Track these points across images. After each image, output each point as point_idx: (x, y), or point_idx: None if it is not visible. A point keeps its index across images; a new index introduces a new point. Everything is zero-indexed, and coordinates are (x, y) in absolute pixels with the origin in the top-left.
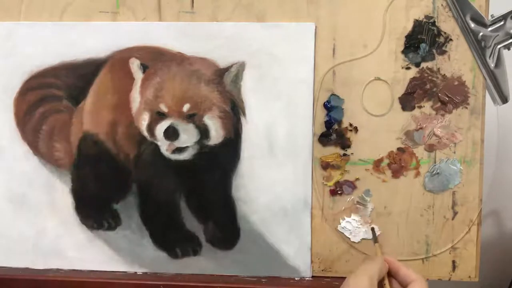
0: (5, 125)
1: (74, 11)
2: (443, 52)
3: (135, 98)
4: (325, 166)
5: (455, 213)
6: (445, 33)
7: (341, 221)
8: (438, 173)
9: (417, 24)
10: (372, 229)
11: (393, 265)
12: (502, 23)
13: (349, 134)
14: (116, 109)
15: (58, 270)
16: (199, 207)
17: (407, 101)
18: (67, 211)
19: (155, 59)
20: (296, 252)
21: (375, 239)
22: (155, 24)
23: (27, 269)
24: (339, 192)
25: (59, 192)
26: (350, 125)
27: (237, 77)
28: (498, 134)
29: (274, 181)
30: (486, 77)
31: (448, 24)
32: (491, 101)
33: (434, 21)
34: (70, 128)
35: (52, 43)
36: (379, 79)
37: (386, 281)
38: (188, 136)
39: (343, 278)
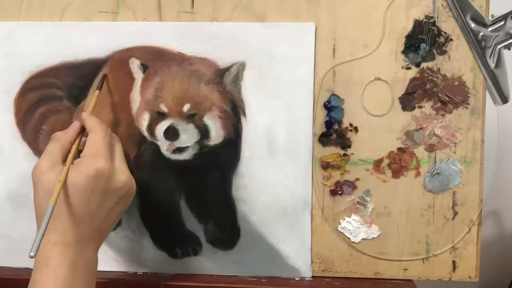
0: (5, 125)
1: (74, 11)
2: (443, 52)
3: (135, 98)
4: (325, 166)
5: (455, 213)
6: (445, 33)
7: (341, 221)
8: (438, 173)
9: (417, 24)
10: (104, 75)
11: (82, 121)
12: (502, 23)
13: (349, 134)
14: (116, 109)
15: None
16: (199, 207)
17: (407, 101)
18: None
19: (155, 59)
20: (296, 252)
21: (100, 86)
22: (155, 24)
23: (27, 269)
24: (339, 192)
25: None
26: (350, 125)
27: (237, 77)
28: (498, 134)
29: (274, 181)
30: (487, 77)
31: (448, 24)
32: (492, 101)
33: (434, 21)
34: None
35: (52, 43)
36: (379, 79)
37: (74, 146)
38: (188, 136)
39: (344, 278)
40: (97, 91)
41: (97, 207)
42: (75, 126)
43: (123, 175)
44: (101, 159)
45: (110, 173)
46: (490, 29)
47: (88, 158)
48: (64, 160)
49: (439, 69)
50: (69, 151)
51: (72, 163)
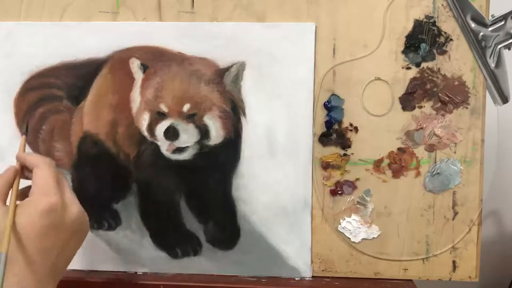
0: (5, 125)
1: (74, 11)
2: (443, 52)
3: (135, 98)
4: (325, 166)
5: (456, 213)
6: (445, 33)
7: (341, 221)
8: (438, 173)
9: (417, 24)
10: (27, 122)
11: (22, 160)
12: (502, 23)
13: (349, 134)
14: (116, 109)
15: None
16: (199, 207)
17: (408, 101)
18: None
19: (155, 59)
20: (296, 252)
21: (25, 132)
22: (155, 24)
23: None
24: (339, 192)
25: None
26: (351, 125)
27: (237, 77)
28: (498, 134)
29: (274, 181)
30: (487, 77)
31: (448, 24)
32: (492, 101)
33: (435, 21)
34: (70, 128)
35: (52, 43)
36: (379, 79)
37: (15, 183)
38: (188, 136)
39: (344, 278)
40: (24, 136)
41: (52, 243)
42: (11, 167)
43: (75, 207)
44: (52, 194)
45: (62, 207)
46: (490, 29)
47: (39, 195)
48: (2, 203)
49: (439, 69)
50: (6, 194)
51: (16, 204)
